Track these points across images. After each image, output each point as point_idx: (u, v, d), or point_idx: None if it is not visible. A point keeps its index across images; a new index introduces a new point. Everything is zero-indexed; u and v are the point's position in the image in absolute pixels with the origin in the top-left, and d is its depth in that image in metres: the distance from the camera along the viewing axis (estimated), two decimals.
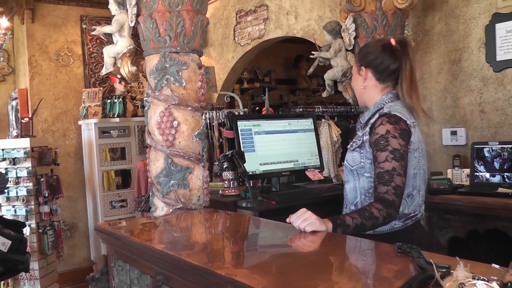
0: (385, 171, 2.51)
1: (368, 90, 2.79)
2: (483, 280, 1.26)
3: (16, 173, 5.89)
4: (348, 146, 2.85)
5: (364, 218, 2.44)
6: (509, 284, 1.33)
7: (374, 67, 2.76)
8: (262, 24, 7.32)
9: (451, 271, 1.45)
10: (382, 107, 2.68)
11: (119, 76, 6.84)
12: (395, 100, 2.71)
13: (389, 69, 2.74)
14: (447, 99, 4.94)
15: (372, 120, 2.66)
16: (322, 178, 4.29)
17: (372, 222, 2.44)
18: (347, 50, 4.86)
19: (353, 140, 2.80)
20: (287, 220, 2.48)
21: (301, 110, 6.01)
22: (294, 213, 2.47)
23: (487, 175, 4.16)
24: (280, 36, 7.14)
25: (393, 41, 2.78)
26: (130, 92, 7.94)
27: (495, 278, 1.35)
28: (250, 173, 3.79)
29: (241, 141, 3.94)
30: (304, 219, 2.40)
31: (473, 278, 1.28)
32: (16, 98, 7.57)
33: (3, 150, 5.94)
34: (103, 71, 4.05)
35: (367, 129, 2.66)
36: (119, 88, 7.65)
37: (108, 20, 4.58)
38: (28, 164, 5.92)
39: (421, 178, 2.69)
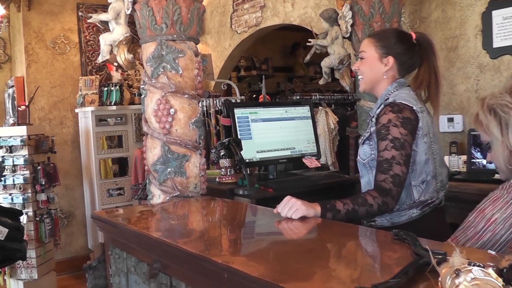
0: (384, 160, 2.49)
1: (385, 80, 2.75)
2: (479, 266, 1.26)
3: (13, 161, 5.89)
4: (359, 141, 2.84)
5: (356, 204, 2.42)
6: (505, 270, 1.34)
7: (401, 60, 2.74)
8: (259, 12, 7.30)
9: (447, 257, 1.45)
10: (388, 98, 2.67)
11: (115, 64, 6.83)
12: (400, 88, 2.70)
13: (413, 66, 2.75)
14: (444, 86, 4.91)
15: (377, 111, 2.65)
16: (319, 165, 4.30)
17: (365, 209, 2.41)
18: (344, 37, 4.86)
19: (363, 134, 2.79)
20: (275, 211, 2.48)
21: (298, 97, 6.01)
22: (280, 203, 2.47)
23: (484, 161, 4.17)
24: (277, 24, 7.13)
25: (413, 35, 2.79)
26: (127, 80, 7.93)
27: (491, 264, 1.36)
28: (247, 160, 3.79)
29: (238, 128, 3.94)
30: (290, 207, 2.40)
31: (469, 264, 1.28)
32: (12, 86, 7.56)
33: None
34: (100, 59, 4.04)
35: (373, 120, 2.66)
36: (116, 76, 7.64)
37: (104, 7, 4.55)
38: (25, 152, 5.92)
39: (435, 163, 2.65)
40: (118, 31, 3.77)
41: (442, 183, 2.70)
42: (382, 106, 2.63)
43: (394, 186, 2.45)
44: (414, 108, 2.56)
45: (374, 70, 2.77)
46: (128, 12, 3.46)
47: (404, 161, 2.48)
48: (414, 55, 2.76)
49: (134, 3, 3.39)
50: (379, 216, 2.67)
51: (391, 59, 2.73)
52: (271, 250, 2.10)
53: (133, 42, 4.03)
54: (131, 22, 3.74)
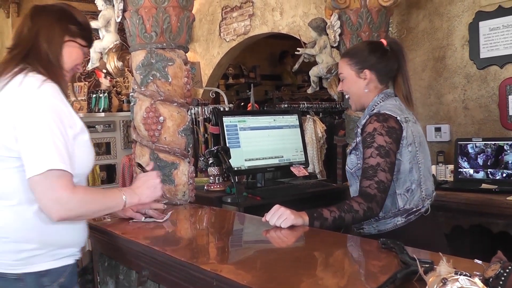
0: (369, 166, 2.52)
1: (369, 93, 2.78)
2: (465, 275, 1.28)
3: None
4: (347, 151, 2.86)
5: (343, 211, 2.44)
6: (491, 279, 1.35)
7: (378, 69, 2.76)
8: (247, 20, 7.33)
9: (434, 266, 1.47)
10: (374, 109, 2.70)
11: (104, 70, 6.81)
12: (386, 99, 2.73)
13: (391, 70, 2.77)
14: (431, 96, 4.97)
15: (363, 121, 2.68)
16: (307, 174, 4.31)
17: (351, 215, 2.44)
18: (332, 46, 4.88)
19: (350, 144, 2.81)
20: (263, 219, 2.49)
21: (286, 106, 6.03)
22: (269, 211, 2.49)
23: (471, 171, 4.20)
24: (266, 32, 7.16)
25: (384, 42, 2.82)
26: (116, 87, 7.91)
27: (477, 273, 1.38)
28: (235, 168, 3.79)
29: (226, 137, 3.94)
30: (279, 216, 2.42)
31: (456, 273, 1.30)
32: None
33: None
34: (89, 66, 4.04)
35: (359, 130, 2.68)
36: (105, 82, 7.63)
37: (93, 14, 4.54)
38: None
39: (420, 172, 2.66)
40: (108, 39, 3.78)
41: (427, 192, 2.71)
42: (368, 116, 2.66)
43: (378, 192, 2.48)
44: (398, 118, 2.59)
45: (356, 87, 2.81)
46: (118, 20, 3.46)
47: (389, 168, 2.51)
48: (388, 60, 2.79)
49: (124, 11, 3.39)
50: (367, 224, 2.69)
51: (367, 72, 2.76)
52: (258, 258, 2.11)
53: (122, 49, 4.04)
54: (120, 28, 3.75)
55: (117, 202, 2.35)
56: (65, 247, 2.17)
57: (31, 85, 2.05)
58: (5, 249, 2.05)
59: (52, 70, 2.14)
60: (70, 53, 2.29)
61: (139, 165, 3.04)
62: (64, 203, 2.00)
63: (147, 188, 2.52)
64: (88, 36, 2.45)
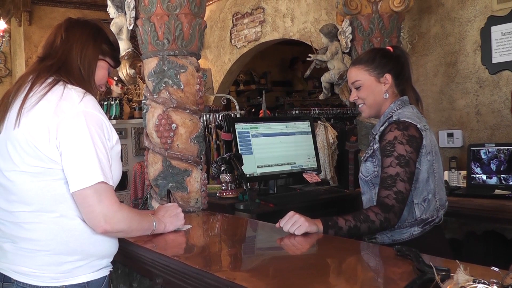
0: (388, 176, 2.48)
1: (387, 99, 2.72)
2: (483, 283, 1.27)
3: None
4: (362, 158, 2.82)
5: (358, 221, 2.40)
6: (510, 287, 1.34)
7: (396, 74, 2.72)
8: (258, 27, 7.34)
9: (451, 274, 1.46)
10: (391, 116, 2.65)
11: (116, 78, 6.81)
12: (403, 107, 2.68)
13: (405, 75, 2.75)
14: (443, 101, 4.96)
15: (381, 128, 2.63)
16: (320, 180, 4.30)
17: (367, 225, 2.40)
18: (343, 52, 4.87)
19: (366, 151, 2.77)
20: (277, 225, 2.48)
21: (297, 112, 6.03)
22: (283, 217, 2.48)
23: (484, 177, 4.18)
24: (277, 39, 7.16)
25: (391, 49, 2.80)
26: (127, 94, 7.92)
27: (495, 281, 1.36)
28: (248, 175, 3.79)
29: (238, 143, 3.94)
30: (293, 223, 2.40)
31: (474, 281, 1.29)
32: None
33: None
34: None
35: (377, 137, 2.64)
36: (116, 90, 7.63)
37: (105, 22, 4.55)
38: None
39: (435, 181, 2.63)
40: (120, 47, 3.78)
41: (441, 202, 2.67)
42: (387, 124, 2.61)
43: (396, 203, 2.43)
44: (419, 126, 2.55)
45: (376, 93, 2.73)
46: (130, 27, 3.46)
47: (408, 179, 2.47)
48: (403, 65, 2.77)
49: (136, 18, 3.40)
50: (380, 233, 2.66)
51: (388, 76, 2.71)
52: (272, 265, 2.10)
53: (134, 57, 4.04)
54: (132, 36, 3.75)
55: (149, 226, 2.40)
56: (103, 257, 2.18)
57: (74, 98, 2.05)
58: (47, 262, 2.04)
59: (83, 86, 2.15)
60: (98, 72, 2.30)
61: (168, 192, 3.11)
62: (110, 217, 2.03)
63: (170, 216, 2.60)
64: (117, 57, 2.46)
